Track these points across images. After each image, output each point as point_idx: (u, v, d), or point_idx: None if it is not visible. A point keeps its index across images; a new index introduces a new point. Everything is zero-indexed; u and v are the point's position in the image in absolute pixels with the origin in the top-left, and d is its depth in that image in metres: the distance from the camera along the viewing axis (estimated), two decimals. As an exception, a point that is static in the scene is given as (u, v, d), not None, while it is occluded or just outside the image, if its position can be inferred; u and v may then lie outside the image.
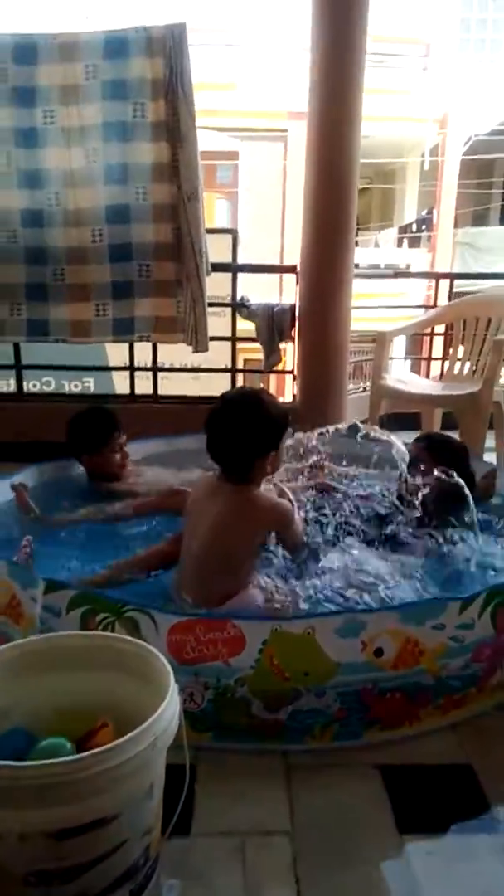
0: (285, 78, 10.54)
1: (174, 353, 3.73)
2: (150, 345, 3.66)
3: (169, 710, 1.08)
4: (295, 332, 3.65)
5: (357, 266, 4.91)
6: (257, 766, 1.45)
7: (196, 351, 3.32)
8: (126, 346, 3.72)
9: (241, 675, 1.46)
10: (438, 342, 4.36)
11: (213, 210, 11.99)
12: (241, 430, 1.72)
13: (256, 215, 11.60)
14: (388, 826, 1.31)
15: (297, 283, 3.61)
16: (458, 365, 3.66)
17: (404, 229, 14.23)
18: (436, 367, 4.30)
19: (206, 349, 3.32)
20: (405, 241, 14.05)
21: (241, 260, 3.94)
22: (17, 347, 3.71)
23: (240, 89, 11.75)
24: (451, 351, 3.81)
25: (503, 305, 3.46)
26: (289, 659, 1.46)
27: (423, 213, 14.10)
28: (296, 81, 3.71)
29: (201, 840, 1.28)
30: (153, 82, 3.12)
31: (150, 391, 3.81)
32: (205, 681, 1.47)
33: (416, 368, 5.06)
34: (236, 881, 1.19)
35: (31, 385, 5.21)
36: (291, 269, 3.67)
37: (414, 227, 14.06)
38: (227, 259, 3.73)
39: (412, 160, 14.16)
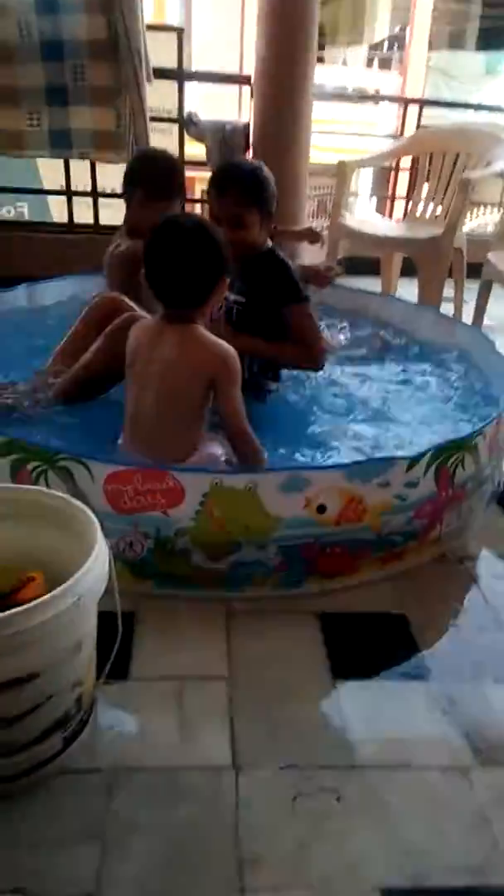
0: None
1: (116, 178, 3.38)
2: (88, 167, 3.30)
3: (96, 569, 1.03)
4: (249, 156, 3.32)
5: (322, 87, 4.46)
6: (198, 613, 1.46)
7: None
8: (61, 169, 3.33)
9: (181, 527, 1.42)
10: (405, 179, 4.07)
11: (164, 4, 10.47)
12: (190, 253, 1.52)
13: (214, 16, 10.28)
14: (323, 670, 1.35)
15: (251, 96, 3.23)
16: (421, 205, 3.43)
17: (375, 47, 12.97)
18: (400, 208, 4.06)
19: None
20: (375, 62, 12.85)
21: (193, 69, 3.48)
22: None
23: None
24: (414, 190, 3.55)
25: (474, 139, 3.18)
26: (230, 513, 1.42)
27: (396, 29, 12.80)
28: None
29: (139, 684, 1.29)
30: None
31: (91, 220, 3.49)
32: (144, 530, 1.43)
33: (381, 208, 4.78)
34: (172, 721, 1.22)
35: None
36: (245, 80, 3.27)
37: (385, 46, 12.81)
38: (173, 64, 3.26)
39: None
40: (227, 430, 1.59)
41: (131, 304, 1.94)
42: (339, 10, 13.27)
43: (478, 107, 4.30)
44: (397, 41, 12.62)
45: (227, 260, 1.57)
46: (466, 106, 4.19)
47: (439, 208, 3.28)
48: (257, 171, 1.93)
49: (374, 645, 1.44)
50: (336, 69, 12.52)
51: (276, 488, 1.42)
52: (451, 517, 1.67)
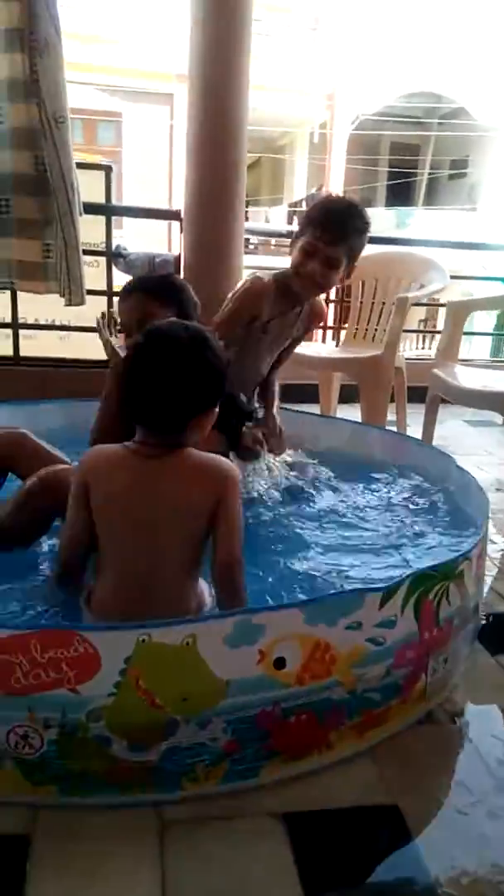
0: (171, 39, 9.99)
1: (38, 310, 3.24)
2: (6, 299, 3.14)
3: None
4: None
5: (248, 242, 4.56)
6: (119, 829, 1.06)
7: (70, 304, 2.85)
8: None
9: (95, 706, 1.06)
10: (331, 311, 4.09)
11: (95, 134, 11.13)
12: (187, 370, 1.24)
13: (142, 180, 10.94)
14: (295, 901, 0.96)
15: (181, 231, 3.19)
16: (356, 332, 3.39)
17: (295, 205, 14.06)
18: (330, 338, 4.04)
19: (81, 302, 2.86)
20: (295, 218, 13.88)
21: (118, 199, 3.46)
22: None
23: (123, 46, 11.03)
24: (349, 316, 3.52)
25: (405, 264, 3.21)
26: (161, 680, 1.08)
27: (313, 190, 13.98)
28: (182, 44, 3.30)
29: None
30: (1, -21, 2.61)
31: (11, 352, 3.28)
32: (45, 716, 1.06)
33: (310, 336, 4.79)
34: None
35: None
36: (174, 215, 3.25)
37: (304, 204, 13.90)
38: (101, 200, 3.23)
39: (301, 132, 13.98)
40: (225, 556, 1.25)
41: (35, 440, 1.73)
42: (261, 174, 14.52)
43: (401, 241, 4.42)
44: (315, 199, 13.71)
45: (224, 380, 1.32)
46: (386, 241, 4.29)
47: (374, 332, 3.24)
48: (166, 277, 1.87)
49: (362, 853, 1.07)
50: (260, 225, 13.42)
51: (221, 640, 1.09)
52: (436, 663, 1.36)
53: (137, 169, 11.14)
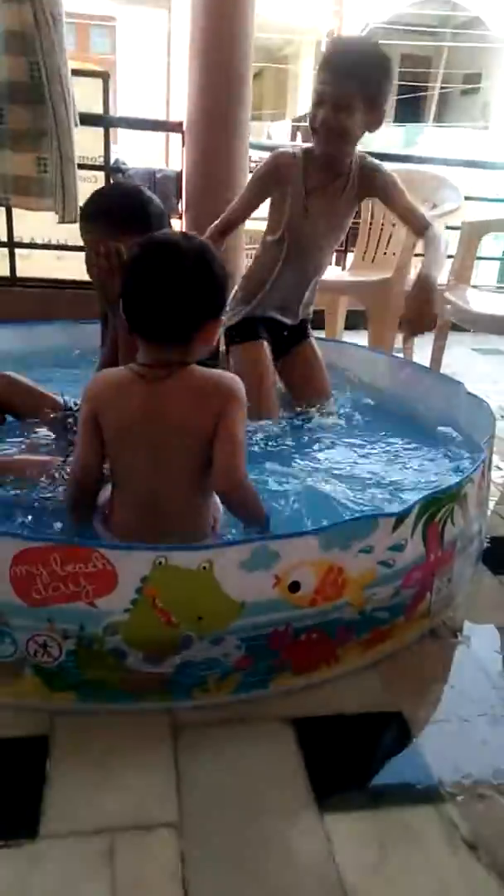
0: None
1: (32, 226, 3.13)
2: (1, 216, 3.04)
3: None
4: (182, 205, 3.12)
5: (251, 157, 4.36)
6: (134, 732, 1.11)
7: (63, 221, 2.77)
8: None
9: (112, 621, 1.09)
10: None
11: (88, 41, 10.59)
12: (190, 277, 1.20)
13: (138, 90, 10.42)
14: (304, 801, 1.01)
15: (182, 144, 3.06)
16: (363, 254, 3.31)
17: (298, 120, 13.48)
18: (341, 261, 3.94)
19: (75, 219, 2.76)
20: (299, 134, 13.32)
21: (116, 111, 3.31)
22: None
23: None
24: (358, 238, 3.43)
25: (417, 184, 3.05)
26: (177, 600, 1.10)
27: (318, 104, 13.39)
28: None
29: (54, 845, 0.93)
30: None
31: (7, 272, 3.20)
32: (63, 627, 1.09)
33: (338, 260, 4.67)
34: (102, 898, 0.86)
35: None
36: (177, 127, 3.11)
37: (308, 119, 13.34)
38: (98, 110, 3.07)
39: (307, 40, 13.26)
40: (224, 474, 1.23)
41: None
42: (263, 87, 13.84)
43: (411, 159, 4.26)
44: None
45: (226, 291, 1.31)
46: (395, 158, 4.14)
47: (385, 255, 3.16)
48: (137, 201, 1.60)
49: (368, 757, 1.12)
50: (262, 141, 12.90)
51: (238, 566, 1.11)
52: (441, 583, 1.39)
53: (133, 78, 10.58)
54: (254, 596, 1.12)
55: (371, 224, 3.29)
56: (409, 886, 0.91)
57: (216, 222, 2.02)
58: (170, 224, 1.69)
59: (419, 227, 2.01)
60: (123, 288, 1.24)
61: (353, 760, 1.11)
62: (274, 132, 13.62)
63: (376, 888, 0.90)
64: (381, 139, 12.68)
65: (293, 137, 13.21)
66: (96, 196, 1.64)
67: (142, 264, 1.23)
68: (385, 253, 3.17)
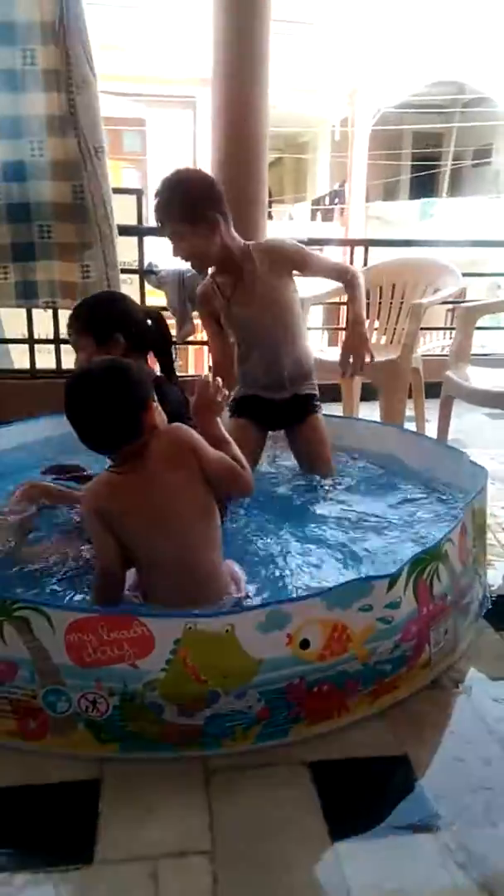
0: (193, 44, 10.19)
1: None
2: (48, 316, 3.40)
3: None
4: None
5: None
6: (171, 777, 1.29)
7: (110, 318, 3.10)
8: (23, 318, 3.44)
9: (150, 679, 1.29)
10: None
11: (121, 177, 11.49)
12: (115, 394, 1.42)
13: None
14: (320, 833, 1.18)
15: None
16: (374, 335, 3.57)
17: (317, 202, 14.18)
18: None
19: (121, 317, 3.10)
20: (319, 215, 14.00)
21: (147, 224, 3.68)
22: None
23: (145, 53, 11.26)
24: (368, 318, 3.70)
25: (420, 270, 3.37)
26: (205, 659, 1.29)
27: (336, 186, 14.07)
28: (204, 47, 3.50)
29: (106, 869, 1.11)
30: (43, 25, 2.84)
31: (54, 365, 3.54)
32: (110, 686, 1.29)
33: (333, 340, 4.97)
34: (149, 916, 1.03)
35: None
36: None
37: (327, 201, 14.02)
38: (133, 222, 3.47)
39: (323, 130, 14.07)
40: (230, 475, 1.52)
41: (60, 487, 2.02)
42: (284, 172, 14.62)
43: (419, 243, 4.57)
44: (338, 196, 13.81)
45: (143, 385, 1.49)
46: (407, 243, 4.45)
47: (391, 335, 3.41)
48: (90, 302, 2.08)
49: (375, 794, 1.28)
50: (284, 223, 13.58)
51: (254, 628, 1.31)
52: (437, 636, 1.56)
53: (161, 174, 11.41)
54: (270, 653, 1.31)
55: (380, 305, 3.55)
56: (402, 890, 1.07)
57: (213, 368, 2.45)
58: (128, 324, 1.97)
59: (341, 279, 2.40)
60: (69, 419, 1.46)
61: (363, 796, 1.27)
62: (295, 213, 14.33)
63: (377, 900, 1.06)
64: (399, 214, 13.25)
65: (313, 217, 13.88)
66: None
67: (72, 403, 1.45)
68: (395, 330, 3.41)
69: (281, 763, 1.33)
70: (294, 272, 2.35)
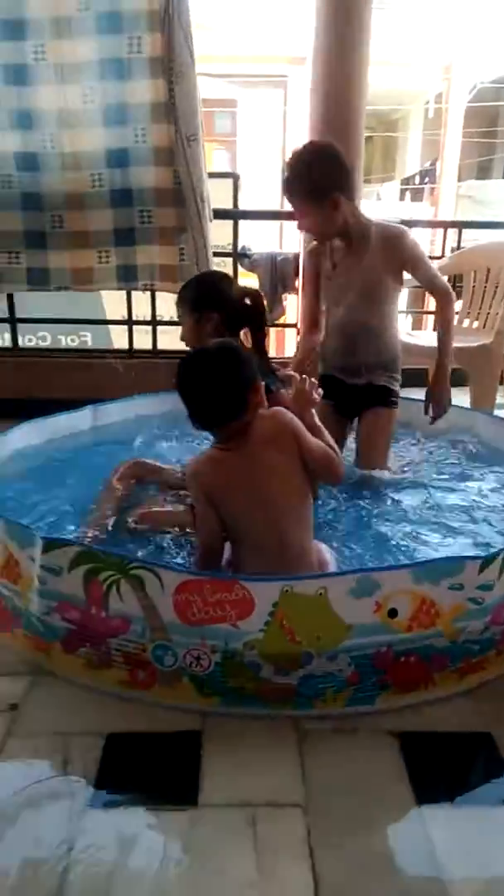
0: (284, 22, 10.11)
1: (171, 307, 3.60)
2: (147, 299, 3.53)
3: None
4: (298, 283, 3.50)
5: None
6: (267, 732, 1.39)
7: (198, 301, 3.20)
8: (123, 300, 3.59)
9: (250, 639, 1.38)
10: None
11: (212, 159, 11.59)
12: (226, 373, 1.53)
13: (257, 164, 11.22)
14: (405, 795, 1.25)
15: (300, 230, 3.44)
16: (466, 319, 3.53)
17: (407, 182, 13.87)
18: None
19: (210, 300, 3.20)
20: (408, 194, 13.70)
21: (241, 207, 3.75)
22: (10, 300, 3.57)
23: (237, 33, 11.26)
24: (461, 304, 3.66)
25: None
26: (300, 621, 1.38)
27: (427, 164, 13.72)
28: (294, 26, 3.51)
29: (209, 812, 1.21)
30: (150, 14, 2.94)
31: (149, 346, 3.69)
32: (212, 643, 1.40)
33: (417, 324, 4.91)
34: (248, 856, 1.13)
35: (27, 340, 5.06)
36: (291, 216, 3.49)
37: (417, 180, 13.70)
38: (228, 205, 3.55)
39: (416, 108, 13.71)
40: (327, 465, 1.61)
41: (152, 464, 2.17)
42: (373, 151, 14.35)
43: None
44: (428, 175, 13.47)
45: (251, 366, 1.58)
46: (501, 225, 4.35)
47: (483, 320, 3.36)
48: (192, 281, 2.26)
49: (459, 767, 1.34)
50: (371, 203, 13.37)
51: (346, 593, 1.38)
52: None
53: (252, 155, 11.44)
54: (360, 619, 1.39)
55: (474, 288, 3.51)
56: (488, 859, 1.13)
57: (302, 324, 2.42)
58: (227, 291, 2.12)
59: (435, 296, 2.36)
60: (183, 399, 1.56)
61: (447, 767, 1.33)
62: (383, 193, 14.08)
63: (462, 860, 1.12)
64: (493, 194, 12.80)
65: (402, 197, 13.60)
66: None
67: (185, 380, 1.55)
68: (488, 314, 3.36)
69: (369, 729, 1.41)
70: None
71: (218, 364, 1.55)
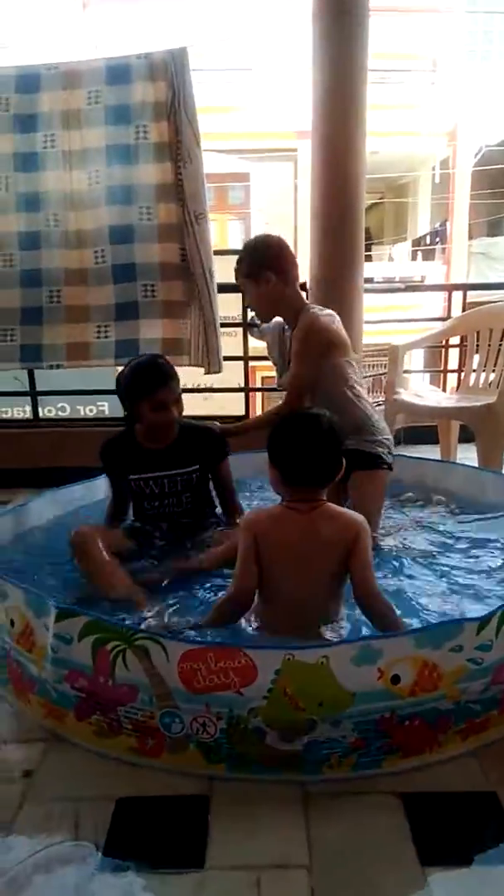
0: (292, 97, 10.64)
1: (184, 373, 3.72)
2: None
3: None
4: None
5: (371, 280, 4.86)
6: (273, 796, 1.42)
7: (209, 372, 3.31)
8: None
9: (254, 706, 1.42)
10: (455, 354, 4.32)
11: (227, 231, 12.08)
12: (334, 441, 1.70)
13: (270, 230, 11.70)
14: (410, 857, 1.26)
15: (307, 298, 3.59)
16: (473, 377, 3.62)
17: (418, 242, 14.22)
18: (453, 380, 4.25)
19: (219, 370, 3.31)
20: (419, 254, 14.03)
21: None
22: (31, 374, 3.73)
23: (248, 111, 11.85)
24: (465, 363, 3.76)
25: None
26: (303, 689, 1.42)
27: (437, 225, 14.09)
28: (303, 101, 3.74)
29: (215, 875, 1.24)
30: (156, 105, 3.16)
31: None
32: (217, 711, 1.44)
33: (435, 381, 5.01)
34: (253, 920, 1.15)
35: (47, 411, 5.24)
36: (300, 287, 3.65)
37: (428, 240, 14.04)
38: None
39: (423, 174, 14.17)
40: (366, 592, 1.66)
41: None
42: (383, 215, 14.79)
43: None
44: (438, 234, 13.80)
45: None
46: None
47: (491, 376, 3.45)
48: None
49: (464, 827, 1.35)
50: (384, 264, 13.71)
51: (348, 661, 1.42)
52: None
53: (264, 225, 11.89)
54: (362, 686, 1.42)
55: (477, 346, 3.60)
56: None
57: None
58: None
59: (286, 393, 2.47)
60: (282, 453, 1.69)
61: (452, 828, 1.34)
62: (395, 253, 14.43)
63: (464, 925, 1.14)
64: (501, 249, 13.05)
65: (413, 257, 13.91)
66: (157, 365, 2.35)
67: (298, 437, 1.69)
68: (493, 371, 3.44)
69: (375, 792, 1.43)
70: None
71: (328, 428, 1.69)
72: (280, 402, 2.58)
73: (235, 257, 3.73)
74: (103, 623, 1.53)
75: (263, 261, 2.42)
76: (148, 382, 2.22)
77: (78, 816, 1.37)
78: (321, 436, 1.68)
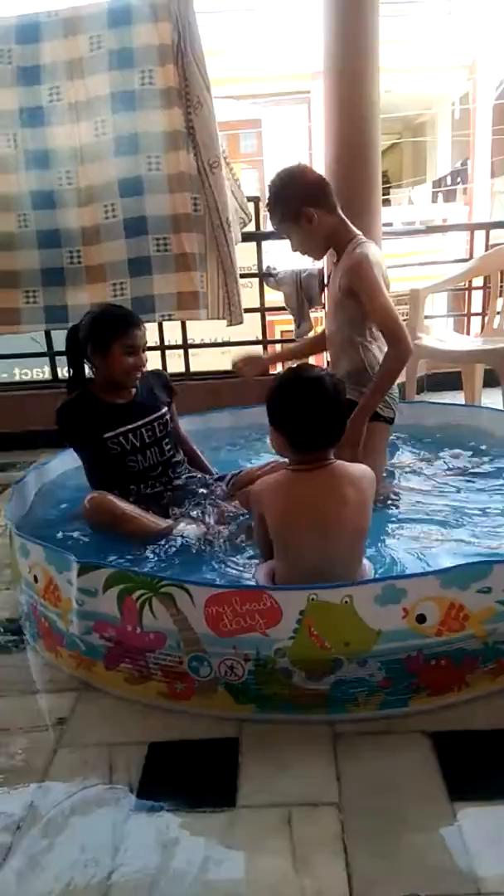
0: (305, 38, 10.25)
1: (201, 328, 3.68)
2: (177, 323, 3.62)
3: None
4: (325, 298, 3.56)
5: (391, 225, 4.71)
6: (302, 736, 1.43)
7: (231, 324, 3.24)
8: (156, 324, 3.69)
9: (280, 646, 1.43)
10: (479, 297, 4.21)
11: (239, 180, 11.85)
12: (342, 402, 1.63)
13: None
14: (439, 794, 1.27)
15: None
16: (497, 319, 3.53)
17: (438, 183, 13.79)
18: (477, 324, 4.16)
19: (241, 321, 3.24)
20: (440, 196, 13.61)
21: (265, 227, 3.83)
22: (48, 334, 3.72)
23: (258, 54, 11.45)
24: (489, 305, 3.66)
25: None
26: (328, 628, 1.42)
27: (458, 164, 13.63)
28: (314, 41, 3.59)
29: (247, 812, 1.26)
30: (160, 48, 3.02)
31: (182, 369, 3.79)
32: (245, 652, 1.45)
33: (458, 326, 4.91)
34: (284, 853, 1.17)
35: (64, 372, 5.22)
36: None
37: (448, 181, 13.61)
38: (251, 227, 3.64)
39: (442, 111, 13.66)
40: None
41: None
42: (401, 156, 14.33)
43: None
44: (460, 175, 13.36)
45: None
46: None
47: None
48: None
49: (492, 764, 1.35)
50: (403, 208, 13.34)
51: (371, 600, 1.42)
52: None
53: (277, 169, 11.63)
54: (387, 625, 1.42)
55: (501, 286, 3.50)
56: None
57: None
58: None
59: (386, 339, 2.14)
60: (291, 419, 1.61)
61: (479, 765, 1.35)
62: (415, 197, 14.02)
63: (495, 856, 1.14)
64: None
65: (434, 199, 13.50)
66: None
67: (307, 402, 1.59)
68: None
69: (402, 731, 1.44)
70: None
71: (334, 389, 1.61)
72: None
73: (249, 204, 3.68)
74: (128, 573, 1.54)
75: (298, 197, 2.21)
76: (121, 322, 2.19)
77: (111, 761, 1.40)
78: (330, 399, 1.59)
